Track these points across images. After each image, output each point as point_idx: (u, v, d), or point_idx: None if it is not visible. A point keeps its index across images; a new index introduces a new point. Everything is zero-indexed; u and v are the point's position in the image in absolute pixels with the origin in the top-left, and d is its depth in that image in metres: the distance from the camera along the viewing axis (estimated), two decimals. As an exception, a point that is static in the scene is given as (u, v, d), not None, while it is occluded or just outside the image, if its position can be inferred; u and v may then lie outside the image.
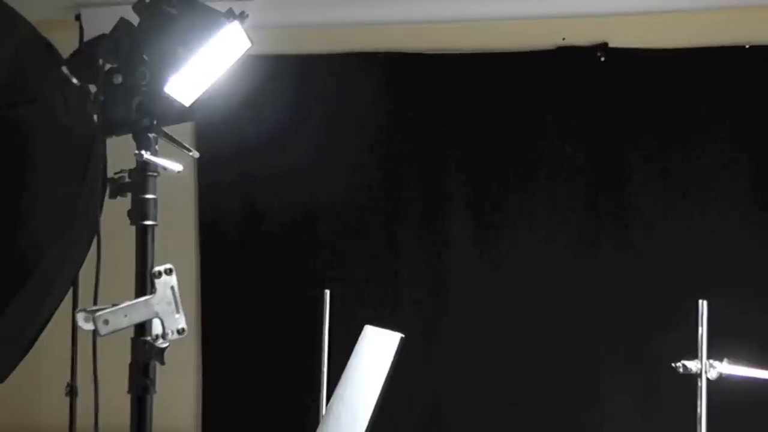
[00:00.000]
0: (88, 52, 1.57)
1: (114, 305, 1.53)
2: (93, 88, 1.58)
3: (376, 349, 1.68)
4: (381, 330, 1.74)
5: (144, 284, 1.57)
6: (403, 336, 1.52)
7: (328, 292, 2.56)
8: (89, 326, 1.52)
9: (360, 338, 1.93)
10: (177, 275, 1.58)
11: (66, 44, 1.66)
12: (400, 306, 3.29)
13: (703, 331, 2.04)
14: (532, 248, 3.22)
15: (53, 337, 2.96)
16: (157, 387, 1.62)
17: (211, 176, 3.44)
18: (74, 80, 1.59)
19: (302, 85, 3.38)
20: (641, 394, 3.09)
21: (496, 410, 3.20)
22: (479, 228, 3.26)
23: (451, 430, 3.23)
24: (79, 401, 3.18)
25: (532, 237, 3.22)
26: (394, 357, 1.50)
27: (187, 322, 1.60)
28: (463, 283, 3.27)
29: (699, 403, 2.02)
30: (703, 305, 2.04)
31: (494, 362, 3.22)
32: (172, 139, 1.63)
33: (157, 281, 1.56)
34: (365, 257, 3.33)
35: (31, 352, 2.74)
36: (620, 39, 3.23)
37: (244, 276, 3.45)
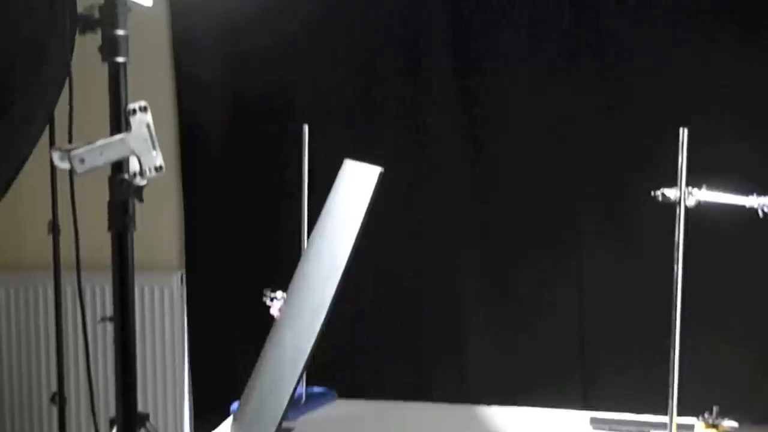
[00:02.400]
0: None
1: (89, 143, 1.52)
2: None
3: (356, 184, 1.68)
4: (360, 164, 1.73)
5: (119, 122, 1.56)
6: (383, 170, 1.51)
7: (306, 126, 2.54)
8: (65, 165, 1.51)
9: (340, 173, 1.92)
10: (152, 114, 1.56)
11: None
12: (379, 140, 3.28)
13: (683, 158, 2.04)
14: (511, 80, 3.19)
15: (33, 177, 2.95)
16: (138, 224, 1.62)
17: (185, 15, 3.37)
18: None
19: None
20: (620, 225, 3.12)
21: (476, 240, 3.24)
22: (459, 75, 3.21)
23: (432, 258, 3.27)
24: (61, 239, 3.20)
25: (511, 71, 3.18)
26: (374, 191, 1.49)
27: (166, 159, 1.59)
28: (443, 119, 3.24)
29: (677, 231, 2.04)
30: (683, 132, 2.03)
31: (474, 192, 3.23)
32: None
33: (131, 119, 1.54)
34: (344, 92, 3.30)
35: (11, 191, 2.73)
36: None
37: (222, 115, 3.41)
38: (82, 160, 1.50)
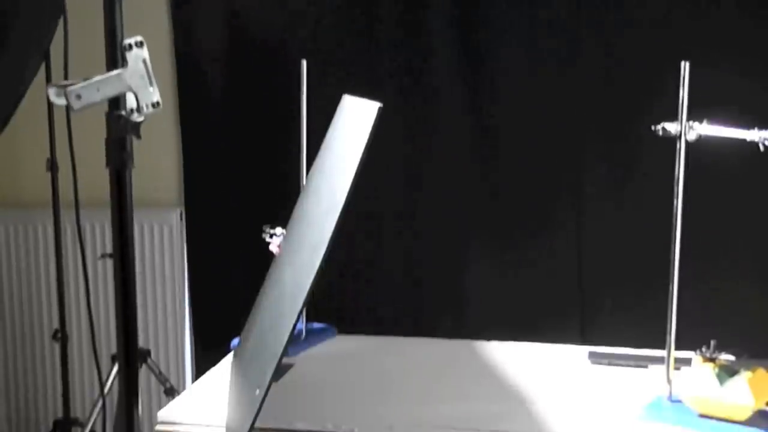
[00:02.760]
0: None
1: (85, 79, 1.51)
2: None
3: (355, 119, 1.67)
4: (359, 99, 1.72)
5: (114, 58, 1.54)
6: (381, 105, 1.50)
7: (304, 62, 2.51)
8: (61, 101, 1.50)
9: (338, 108, 1.91)
10: (149, 50, 1.55)
11: None
12: (378, 76, 3.25)
13: (684, 92, 2.03)
14: (511, 24, 3.15)
15: (30, 114, 2.93)
16: (137, 161, 1.62)
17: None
18: None
19: None
20: (620, 161, 3.11)
21: (477, 178, 3.23)
22: (459, 25, 3.17)
23: (433, 197, 3.27)
24: (60, 176, 3.20)
25: (511, 14, 3.15)
26: (373, 127, 1.48)
27: (163, 95, 1.58)
28: (445, 68, 3.21)
29: (677, 165, 2.03)
30: (685, 66, 2.02)
31: (475, 134, 3.21)
32: None
33: (127, 54, 1.53)
34: (343, 29, 3.26)
35: (9, 128, 2.72)
36: None
37: (220, 50, 3.38)
38: (78, 96, 1.49)
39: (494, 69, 3.18)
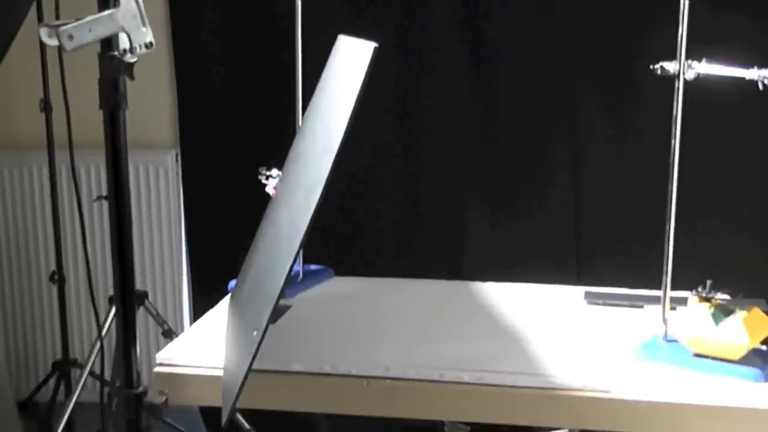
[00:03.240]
0: None
1: (77, 20, 1.49)
2: None
3: (350, 60, 1.65)
4: (355, 39, 1.70)
5: (106, -3, 1.53)
6: (377, 45, 1.48)
7: (299, 0, 2.48)
8: (53, 42, 1.49)
9: (334, 49, 1.89)
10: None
11: None
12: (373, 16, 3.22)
13: (683, 30, 2.00)
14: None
15: (23, 55, 2.91)
16: (131, 102, 1.61)
17: None
18: None
19: None
20: (617, 102, 3.09)
21: (475, 119, 3.21)
22: None
23: (432, 140, 3.26)
24: (54, 117, 3.18)
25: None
26: (368, 67, 1.47)
27: (157, 35, 1.57)
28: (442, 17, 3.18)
29: (675, 104, 2.02)
30: (684, 3, 1.99)
31: (474, 80, 3.19)
32: None
33: (120, -6, 1.51)
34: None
35: (2, 68, 2.70)
36: None
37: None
38: (70, 37, 1.48)
39: (490, 14, 3.14)
